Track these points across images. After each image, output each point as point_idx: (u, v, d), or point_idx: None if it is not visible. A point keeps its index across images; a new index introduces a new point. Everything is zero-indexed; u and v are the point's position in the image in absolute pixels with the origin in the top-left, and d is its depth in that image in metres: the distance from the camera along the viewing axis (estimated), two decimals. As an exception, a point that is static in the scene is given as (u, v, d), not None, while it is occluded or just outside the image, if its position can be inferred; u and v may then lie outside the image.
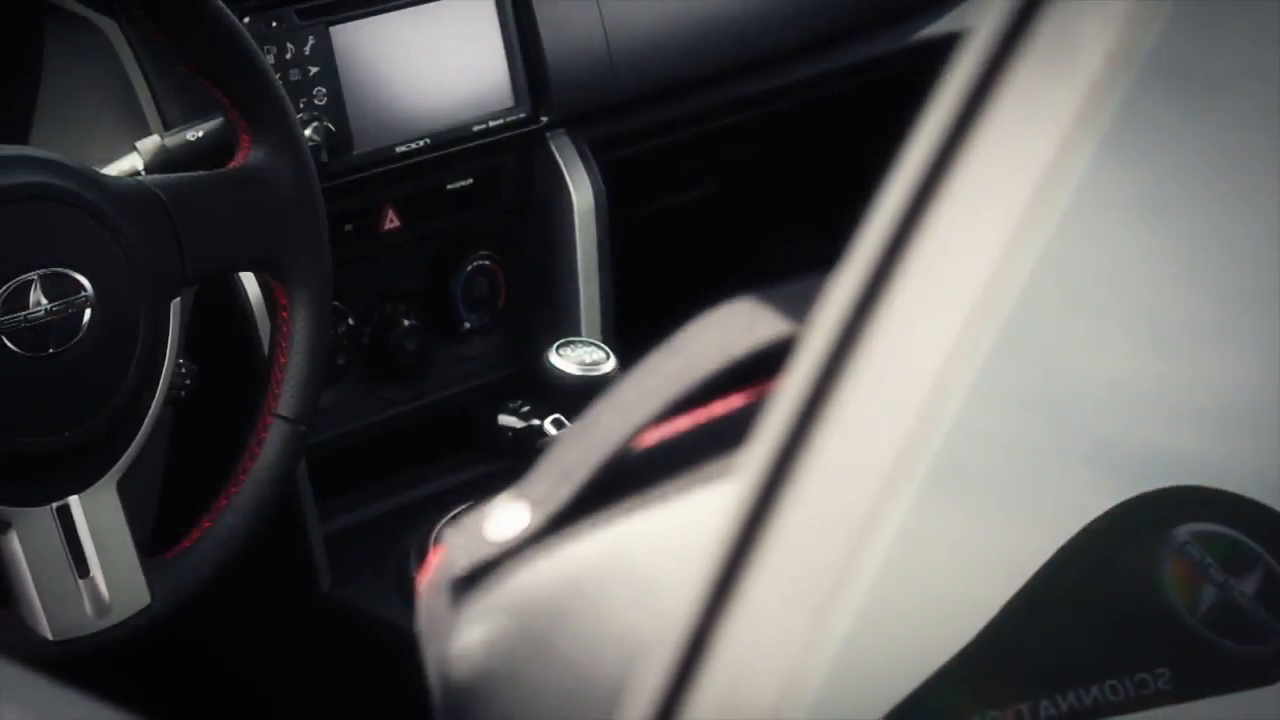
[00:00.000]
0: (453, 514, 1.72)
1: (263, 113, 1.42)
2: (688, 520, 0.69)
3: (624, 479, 0.70)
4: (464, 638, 0.71)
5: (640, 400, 0.69)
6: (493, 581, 0.71)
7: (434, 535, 1.69)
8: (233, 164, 1.43)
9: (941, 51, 2.08)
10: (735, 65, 1.92)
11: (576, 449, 0.70)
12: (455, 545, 0.72)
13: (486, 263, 1.81)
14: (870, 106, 2.17)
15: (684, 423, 0.70)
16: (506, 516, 0.71)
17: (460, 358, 1.82)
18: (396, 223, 1.72)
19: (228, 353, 1.57)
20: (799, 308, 0.68)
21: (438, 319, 1.79)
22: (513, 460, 1.85)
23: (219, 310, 1.58)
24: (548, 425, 1.53)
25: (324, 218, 1.45)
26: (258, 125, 1.42)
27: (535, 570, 0.70)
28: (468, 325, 1.80)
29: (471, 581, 0.72)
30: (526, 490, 0.71)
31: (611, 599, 0.69)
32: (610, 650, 0.69)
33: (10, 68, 1.57)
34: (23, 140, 1.57)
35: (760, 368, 0.68)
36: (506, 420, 1.83)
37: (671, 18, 1.86)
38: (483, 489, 1.79)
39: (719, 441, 0.69)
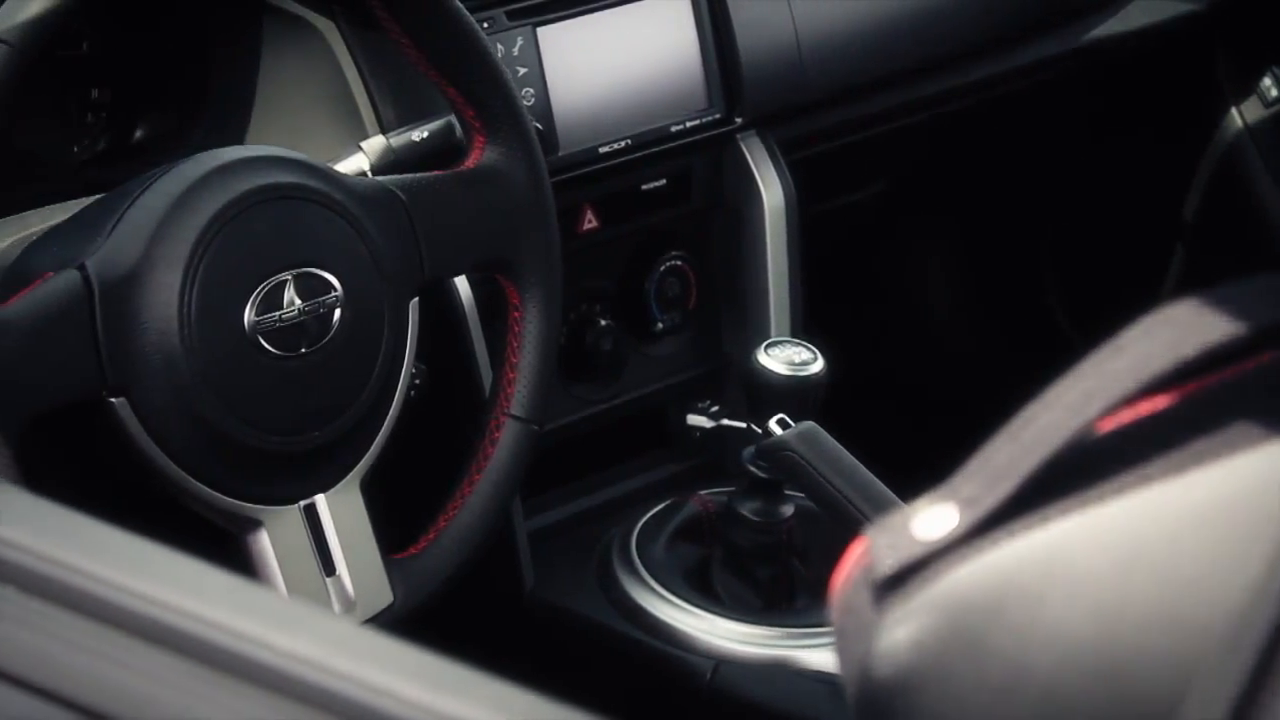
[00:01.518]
0: (653, 512, 1.72)
1: (497, 113, 1.42)
2: (1129, 520, 0.69)
3: (1059, 479, 0.70)
4: (890, 636, 0.72)
5: (1082, 401, 0.69)
6: (921, 581, 0.71)
7: (634, 533, 1.69)
8: (467, 164, 1.43)
9: (1110, 52, 2.09)
10: (916, 65, 1.93)
11: (1011, 450, 0.70)
12: (879, 545, 0.72)
13: (678, 263, 1.82)
14: (1040, 109, 2.18)
15: (1120, 419, 0.70)
16: (934, 516, 0.71)
17: (651, 358, 1.83)
18: (595, 223, 1.73)
19: (443, 352, 1.57)
20: (1247, 308, 0.68)
21: (631, 319, 1.80)
22: (704, 459, 1.86)
23: (432, 310, 1.59)
24: (772, 425, 1.53)
25: (555, 218, 1.46)
26: (492, 125, 1.43)
27: (967, 569, 0.70)
28: (660, 325, 1.81)
29: (897, 581, 0.72)
30: (955, 490, 0.71)
31: (1049, 598, 0.69)
32: (1046, 649, 0.69)
33: (229, 67, 1.58)
34: (239, 139, 1.58)
35: (1208, 368, 0.68)
36: (695, 420, 1.84)
37: (859, 17, 1.86)
38: (676, 487, 1.80)
39: (1158, 441, 0.69)
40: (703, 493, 1.74)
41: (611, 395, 1.80)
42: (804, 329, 1.84)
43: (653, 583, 1.64)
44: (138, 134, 1.60)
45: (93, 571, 0.74)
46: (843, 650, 0.74)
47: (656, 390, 1.84)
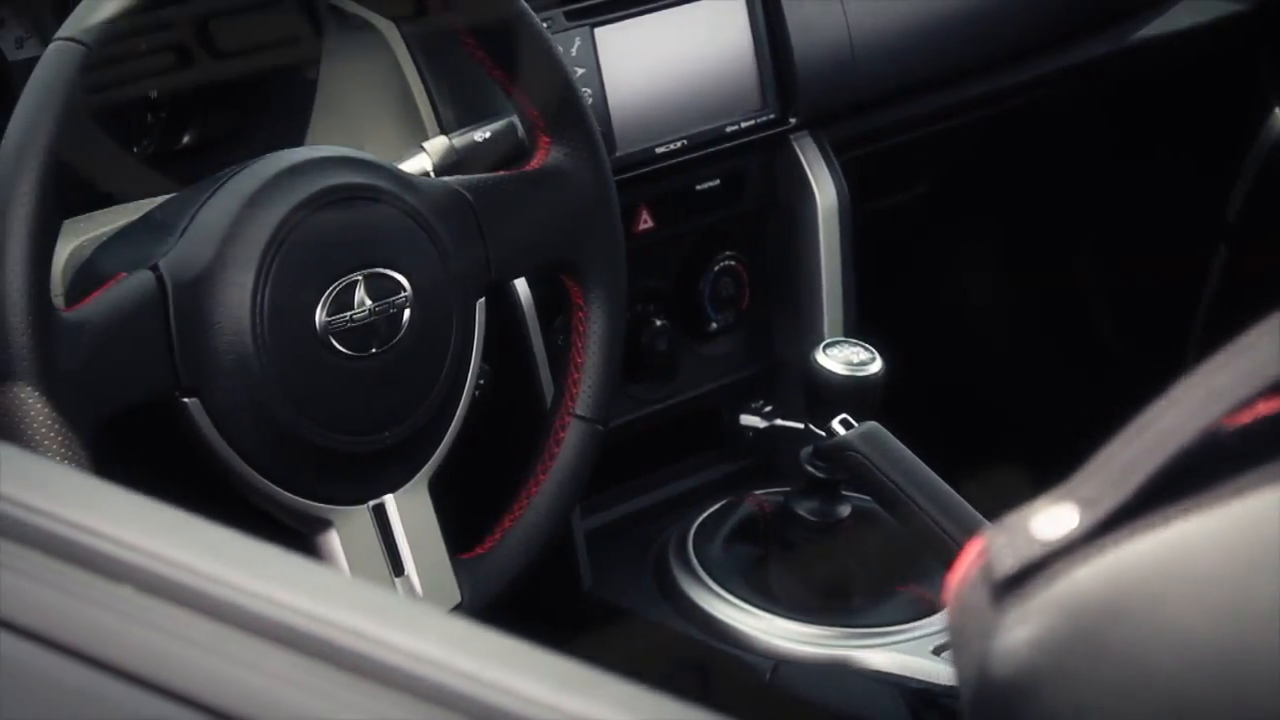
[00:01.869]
0: (709, 512, 1.72)
1: (563, 114, 1.43)
2: (1251, 521, 0.69)
3: (1180, 479, 0.70)
4: (1010, 637, 0.72)
5: (1205, 402, 0.69)
6: (1041, 581, 0.71)
7: (691, 533, 1.70)
8: (532, 165, 1.43)
9: (1156, 53, 2.08)
10: (967, 66, 1.93)
11: (1132, 450, 0.70)
12: (997, 545, 0.72)
13: (732, 263, 1.82)
14: (1084, 109, 2.18)
15: (1241, 419, 0.70)
16: (1053, 516, 0.72)
17: (705, 358, 1.83)
18: (650, 223, 1.73)
19: (502, 352, 1.57)
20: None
21: (685, 319, 1.80)
22: (756, 459, 1.86)
23: (491, 309, 1.59)
24: (835, 425, 1.53)
25: (619, 218, 1.46)
26: (557, 125, 1.43)
27: (1088, 570, 0.71)
28: (714, 325, 1.81)
29: (1016, 581, 0.72)
30: (1075, 490, 0.71)
31: (1170, 598, 0.70)
32: (1167, 650, 0.70)
33: (289, 67, 1.59)
34: (299, 140, 1.59)
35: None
36: (748, 420, 1.85)
37: (911, 17, 1.87)
38: (728, 488, 1.80)
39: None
40: (758, 493, 1.74)
41: (666, 395, 1.80)
42: (856, 329, 1.85)
43: (711, 582, 1.64)
44: (197, 134, 1.61)
45: (209, 571, 0.75)
46: (959, 650, 0.74)
47: (710, 390, 1.84)
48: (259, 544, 0.79)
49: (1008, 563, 0.72)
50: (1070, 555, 0.71)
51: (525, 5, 1.40)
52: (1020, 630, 0.72)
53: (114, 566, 0.74)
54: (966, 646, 0.74)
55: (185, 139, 1.61)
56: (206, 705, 0.69)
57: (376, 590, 0.93)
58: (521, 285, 1.59)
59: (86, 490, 0.80)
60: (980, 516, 1.44)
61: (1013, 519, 0.74)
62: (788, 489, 1.68)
